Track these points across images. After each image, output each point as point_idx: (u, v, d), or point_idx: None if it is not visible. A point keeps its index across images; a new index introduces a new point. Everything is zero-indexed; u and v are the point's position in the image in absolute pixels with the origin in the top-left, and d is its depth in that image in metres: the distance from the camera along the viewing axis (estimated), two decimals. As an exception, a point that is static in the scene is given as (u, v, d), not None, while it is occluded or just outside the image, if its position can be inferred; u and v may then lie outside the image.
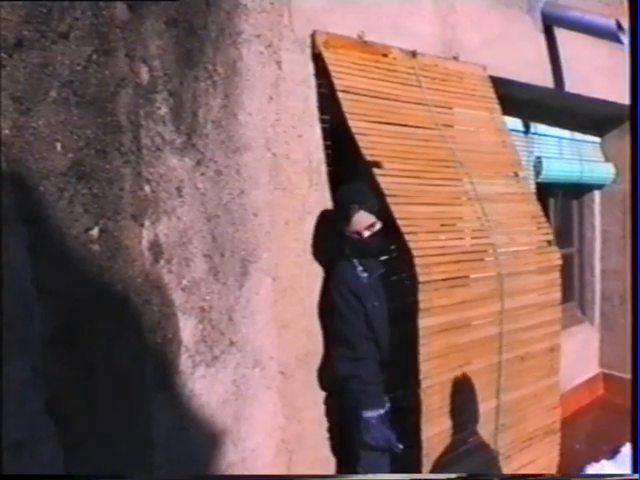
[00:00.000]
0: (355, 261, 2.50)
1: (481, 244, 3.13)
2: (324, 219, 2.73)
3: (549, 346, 3.50)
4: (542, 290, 3.44)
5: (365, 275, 2.46)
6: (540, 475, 3.55)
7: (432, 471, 2.86)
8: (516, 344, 3.27)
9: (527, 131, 4.69)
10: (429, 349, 2.77)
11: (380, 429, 2.54)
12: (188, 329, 2.24)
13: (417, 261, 2.67)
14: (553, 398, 3.57)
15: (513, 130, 4.40)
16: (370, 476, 2.56)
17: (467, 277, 3.03)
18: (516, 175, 3.52)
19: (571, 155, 5.31)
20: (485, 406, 3.16)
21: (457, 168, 3.14)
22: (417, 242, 2.76)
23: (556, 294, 3.54)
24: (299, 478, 2.60)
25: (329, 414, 2.80)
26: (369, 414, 2.53)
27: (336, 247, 2.61)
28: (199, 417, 2.29)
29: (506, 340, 3.21)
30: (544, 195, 5.20)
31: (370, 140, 2.74)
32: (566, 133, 5.28)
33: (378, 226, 2.52)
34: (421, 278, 2.59)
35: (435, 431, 2.90)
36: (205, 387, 2.31)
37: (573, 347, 5.39)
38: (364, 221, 2.51)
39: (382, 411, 2.57)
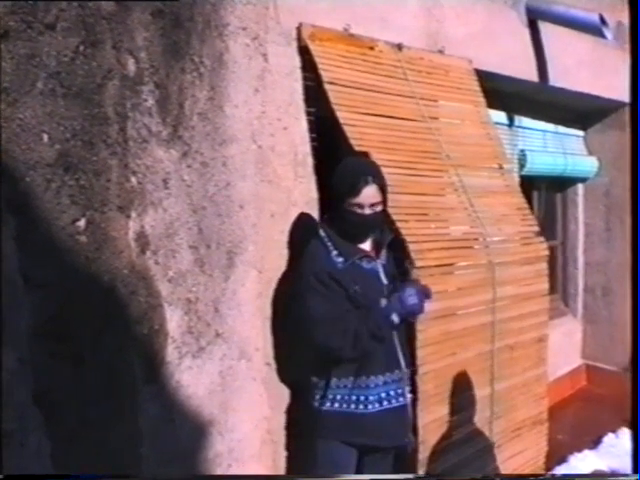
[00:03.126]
0: (330, 245, 2.37)
1: (470, 233, 3.19)
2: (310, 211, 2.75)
3: (537, 336, 3.57)
4: (530, 280, 3.50)
5: (340, 260, 2.35)
6: (540, 475, 3.61)
7: (429, 459, 2.91)
8: (507, 333, 3.33)
9: (511, 124, 4.74)
10: (425, 335, 2.82)
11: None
12: (174, 320, 2.25)
13: (411, 247, 2.71)
14: (541, 388, 3.64)
15: (498, 123, 4.43)
16: (372, 476, 2.53)
17: (459, 264, 3.08)
18: (500, 167, 3.58)
19: (555, 148, 5.36)
20: (479, 394, 3.21)
21: (443, 160, 3.19)
22: (409, 229, 2.79)
23: (543, 285, 3.62)
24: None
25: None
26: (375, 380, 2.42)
27: (308, 230, 2.56)
28: (186, 408, 2.30)
29: (498, 329, 3.26)
30: (528, 188, 5.24)
31: (358, 131, 2.77)
32: (550, 126, 5.33)
33: (380, 207, 2.39)
34: (418, 263, 2.64)
35: (431, 418, 2.95)
36: (192, 378, 2.32)
37: (556, 339, 5.43)
38: (372, 196, 2.35)
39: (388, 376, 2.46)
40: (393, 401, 2.40)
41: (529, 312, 3.48)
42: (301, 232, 2.49)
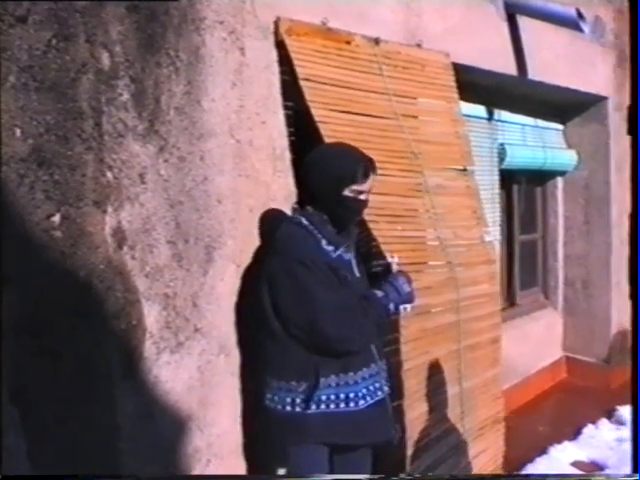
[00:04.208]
0: (317, 234, 2.33)
1: (430, 236, 3.25)
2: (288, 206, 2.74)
3: (492, 337, 3.62)
4: (485, 283, 3.58)
5: (331, 249, 2.33)
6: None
7: (412, 454, 2.95)
8: (469, 333, 3.40)
9: (491, 118, 4.76)
10: (408, 331, 2.87)
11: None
12: (152, 315, 2.24)
13: (383, 247, 2.75)
14: (497, 388, 3.70)
15: (477, 117, 4.48)
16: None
17: (427, 264, 3.14)
18: (464, 170, 3.60)
19: (534, 142, 5.40)
20: (450, 392, 3.27)
21: (411, 160, 3.20)
22: (379, 230, 2.85)
23: (495, 287, 3.69)
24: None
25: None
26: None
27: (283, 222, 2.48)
28: (164, 404, 2.29)
29: (462, 328, 3.32)
30: (508, 182, 5.29)
31: (331, 129, 2.78)
32: (529, 120, 5.36)
33: (367, 196, 2.41)
34: (390, 260, 2.61)
35: (415, 414, 3.00)
36: (170, 374, 2.31)
37: (537, 331, 5.50)
38: (370, 184, 2.38)
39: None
40: (374, 396, 2.37)
41: (486, 313, 3.55)
42: (274, 225, 2.43)
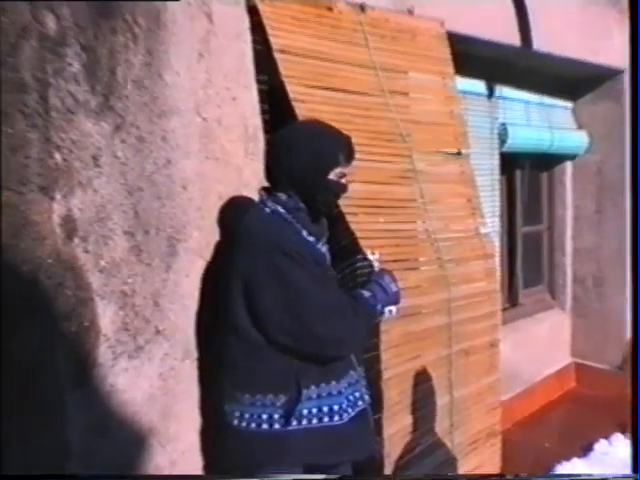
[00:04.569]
0: (296, 224, 2.33)
1: (418, 228, 3.28)
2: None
3: (489, 341, 3.66)
4: (481, 280, 3.61)
5: (312, 240, 2.34)
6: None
7: (392, 473, 2.96)
8: (462, 336, 3.43)
9: (491, 94, 4.78)
10: (388, 337, 2.89)
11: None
12: (107, 316, 2.24)
13: (362, 242, 2.77)
14: (494, 397, 3.74)
15: (475, 94, 4.50)
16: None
17: (415, 260, 3.18)
18: (458, 153, 3.63)
19: (540, 121, 5.43)
20: (439, 402, 3.29)
21: (399, 142, 3.22)
22: (358, 223, 2.86)
23: (493, 285, 3.72)
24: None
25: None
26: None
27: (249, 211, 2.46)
28: (121, 416, 2.30)
29: (454, 331, 3.36)
30: (510, 167, 5.32)
31: (308, 107, 2.78)
32: (534, 97, 5.39)
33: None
34: (371, 257, 2.64)
35: (395, 428, 3.01)
36: (128, 382, 2.31)
37: (542, 335, 5.55)
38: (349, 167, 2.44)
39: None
40: (354, 407, 2.37)
41: (482, 314, 3.59)
42: (241, 215, 2.40)
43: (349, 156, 2.37)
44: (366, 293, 2.40)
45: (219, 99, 2.63)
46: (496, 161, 4.92)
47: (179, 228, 2.50)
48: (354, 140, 2.39)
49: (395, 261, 2.93)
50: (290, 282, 2.21)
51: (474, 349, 3.51)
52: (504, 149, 4.89)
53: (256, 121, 2.77)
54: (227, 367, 2.37)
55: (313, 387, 2.28)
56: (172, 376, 2.47)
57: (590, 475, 3.99)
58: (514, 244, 5.58)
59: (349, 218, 2.79)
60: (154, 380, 2.41)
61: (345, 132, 2.40)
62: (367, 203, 2.96)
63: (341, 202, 2.57)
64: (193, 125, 2.53)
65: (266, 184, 2.45)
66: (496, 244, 4.53)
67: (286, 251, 2.21)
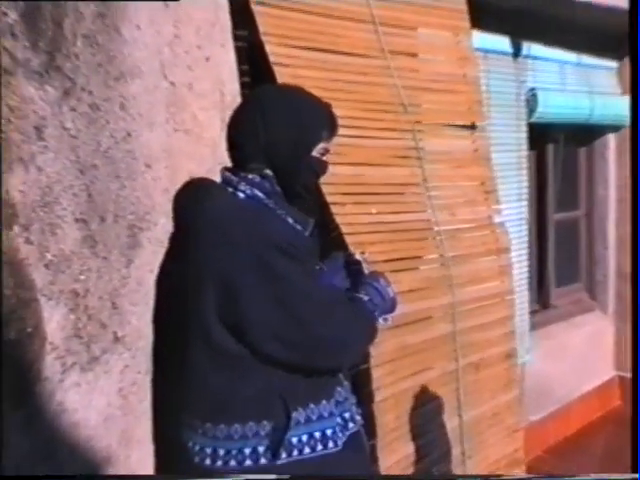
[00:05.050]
0: (278, 208, 2.32)
1: (419, 220, 3.28)
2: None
3: (505, 351, 3.69)
4: (493, 279, 3.63)
5: (300, 229, 2.33)
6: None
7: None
8: (470, 348, 3.44)
9: (517, 53, 4.77)
10: (380, 350, 2.89)
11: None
12: (55, 320, 2.22)
13: (348, 239, 2.77)
14: (514, 418, 3.75)
15: (496, 52, 4.49)
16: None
17: (413, 259, 3.19)
18: (472, 126, 3.63)
19: (577, 86, 5.42)
20: (447, 426, 3.31)
21: (400, 114, 3.22)
22: (344, 215, 2.87)
23: (507, 284, 3.74)
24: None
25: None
26: None
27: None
28: (72, 441, 2.28)
29: (461, 342, 3.36)
30: (540, 141, 5.33)
31: (292, 73, 2.79)
32: (571, 56, 5.38)
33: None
34: (359, 257, 2.62)
35: (393, 459, 3.02)
36: (80, 399, 2.30)
37: (580, 343, 5.56)
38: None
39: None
40: (345, 430, 2.36)
41: (494, 320, 3.61)
42: (206, 202, 2.33)
43: (333, 129, 2.38)
44: (364, 296, 2.40)
45: (189, 59, 2.62)
46: (523, 134, 4.92)
47: (142, 214, 2.50)
48: (344, 111, 2.41)
49: (387, 261, 2.95)
50: (286, 280, 2.19)
51: (486, 362, 3.52)
52: (533, 119, 4.89)
53: (234, 86, 2.77)
54: (191, 391, 2.32)
55: (301, 409, 2.26)
56: (134, 392, 2.47)
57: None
58: (545, 234, 5.59)
59: (334, 209, 2.79)
60: (112, 397, 2.40)
61: (332, 102, 2.40)
62: (357, 190, 2.96)
63: (325, 189, 2.60)
64: (158, 90, 2.53)
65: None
66: (524, 234, 4.52)
67: (277, 244, 2.18)
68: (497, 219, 3.70)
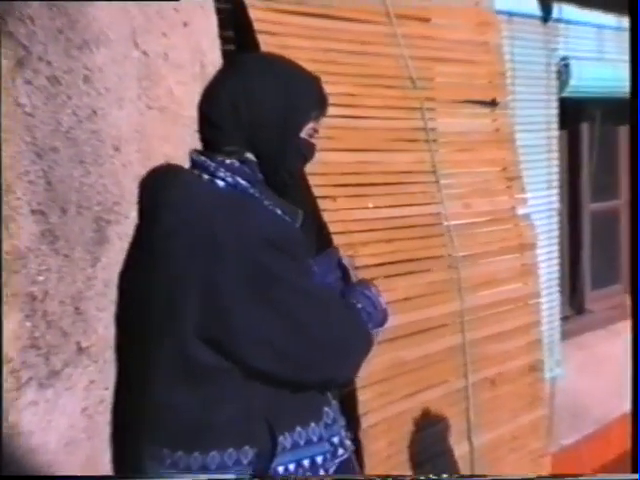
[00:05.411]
0: (264, 199, 2.32)
1: (425, 214, 3.30)
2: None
3: (528, 364, 3.71)
4: (513, 281, 3.64)
5: (290, 221, 2.35)
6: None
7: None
8: (484, 361, 3.45)
9: (547, 16, 4.76)
10: (369, 368, 2.86)
11: None
12: (9, 329, 2.20)
13: (337, 239, 2.81)
14: (539, 441, 3.77)
15: (523, 16, 4.49)
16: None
17: (412, 261, 3.19)
18: (493, 103, 3.64)
19: (617, 54, 5.40)
20: (455, 453, 3.33)
21: (407, 90, 3.22)
22: (335, 211, 2.89)
23: (533, 286, 3.76)
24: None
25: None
26: None
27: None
28: (28, 468, 2.26)
29: (470, 355, 3.35)
30: (573, 118, 5.32)
31: (279, 43, 2.81)
32: (610, 19, 5.36)
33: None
34: (346, 262, 2.64)
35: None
36: (38, 420, 2.28)
37: (619, 353, 5.54)
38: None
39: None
40: (334, 457, 2.39)
41: (514, 328, 3.63)
42: (178, 190, 2.36)
43: (323, 107, 2.41)
44: (357, 303, 2.41)
45: (164, 24, 2.63)
46: (554, 111, 4.92)
47: (110, 205, 2.49)
48: (337, 87, 2.43)
49: (382, 265, 3.00)
50: (281, 280, 2.21)
51: (504, 377, 3.55)
52: (565, 93, 4.88)
53: (216, 55, 2.79)
54: (158, 414, 2.33)
55: (287, 434, 2.27)
56: (100, 412, 2.47)
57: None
58: (579, 227, 5.58)
59: (323, 204, 2.80)
60: (75, 418, 2.38)
61: (324, 76, 2.44)
62: (351, 180, 2.98)
63: (313, 181, 2.63)
64: (128, 61, 2.53)
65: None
66: (554, 227, 4.51)
67: (268, 239, 2.18)
68: (521, 210, 3.72)
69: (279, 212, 2.33)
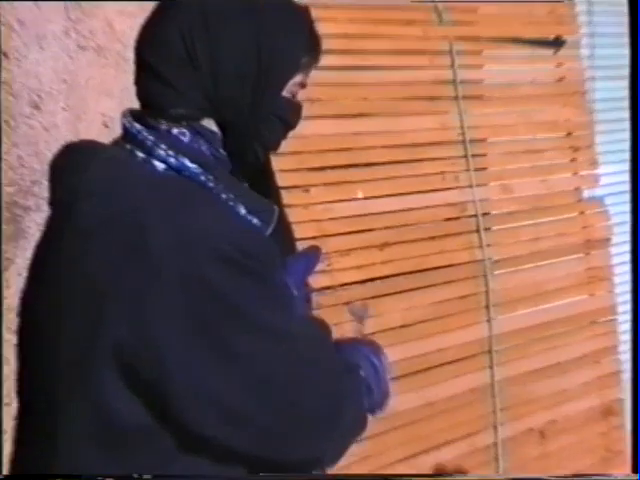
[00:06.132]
0: (224, 193, 1.82)
1: (442, 203, 2.93)
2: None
3: (600, 405, 3.37)
4: (574, 292, 3.29)
5: (257, 224, 1.83)
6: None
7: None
8: (526, 405, 3.11)
9: None
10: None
11: None
12: None
13: (304, 246, 2.41)
14: None
15: None
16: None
17: (415, 273, 2.85)
18: (558, 41, 3.23)
19: None
20: None
21: (429, 25, 2.87)
22: (306, 207, 2.67)
23: (607, 298, 3.40)
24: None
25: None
26: None
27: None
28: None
29: (502, 398, 2.99)
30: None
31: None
32: None
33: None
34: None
35: None
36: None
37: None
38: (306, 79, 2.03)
39: None
40: None
41: (575, 358, 3.25)
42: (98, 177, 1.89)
43: (316, 51, 1.95)
44: (360, 370, 2.02)
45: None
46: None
47: (27, 185, 2.24)
48: (330, 27, 2.29)
49: (371, 280, 2.68)
50: (239, 311, 1.71)
51: (560, 426, 3.21)
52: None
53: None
54: None
55: None
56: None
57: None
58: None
59: (288, 198, 2.41)
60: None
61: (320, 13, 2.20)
62: (334, 160, 2.69)
63: (278, 163, 2.23)
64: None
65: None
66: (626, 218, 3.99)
67: (226, 253, 1.69)
68: (591, 192, 3.31)
69: (242, 211, 1.83)
